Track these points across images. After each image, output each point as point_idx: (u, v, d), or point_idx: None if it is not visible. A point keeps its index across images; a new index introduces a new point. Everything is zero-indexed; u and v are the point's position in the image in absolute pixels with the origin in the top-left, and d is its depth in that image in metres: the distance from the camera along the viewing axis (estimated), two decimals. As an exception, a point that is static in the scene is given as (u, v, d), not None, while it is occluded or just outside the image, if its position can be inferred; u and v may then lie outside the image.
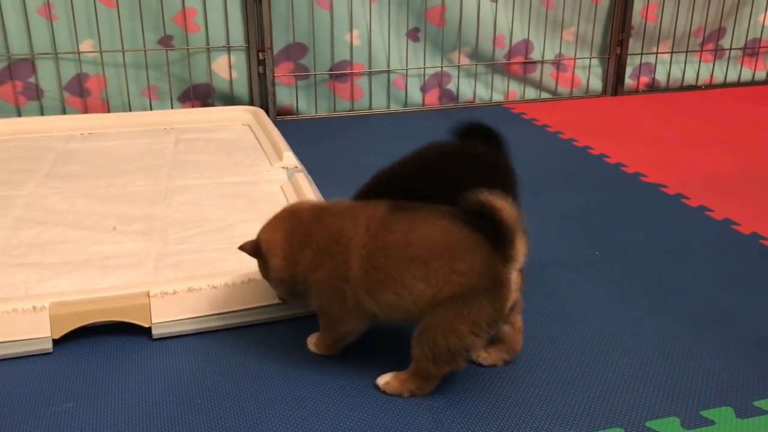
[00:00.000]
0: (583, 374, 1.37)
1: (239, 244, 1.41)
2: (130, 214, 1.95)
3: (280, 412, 1.27)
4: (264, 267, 1.38)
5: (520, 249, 1.21)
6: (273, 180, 2.18)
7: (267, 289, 1.51)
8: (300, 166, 2.30)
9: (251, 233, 1.83)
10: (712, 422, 1.24)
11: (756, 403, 1.29)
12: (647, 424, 1.24)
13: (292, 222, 1.35)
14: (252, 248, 1.38)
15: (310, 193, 1.99)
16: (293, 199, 2.01)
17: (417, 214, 1.26)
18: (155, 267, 1.67)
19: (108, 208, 1.98)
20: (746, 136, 2.83)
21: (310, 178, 2.27)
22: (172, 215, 1.94)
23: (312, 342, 1.43)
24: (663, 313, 1.58)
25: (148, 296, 1.46)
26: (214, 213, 1.96)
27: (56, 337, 1.43)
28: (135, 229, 1.86)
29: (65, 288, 1.56)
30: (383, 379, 1.31)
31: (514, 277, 1.23)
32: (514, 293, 1.24)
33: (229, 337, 1.49)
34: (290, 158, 2.30)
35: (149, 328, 1.47)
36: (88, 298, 1.46)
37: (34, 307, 1.41)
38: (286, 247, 1.33)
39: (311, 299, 1.36)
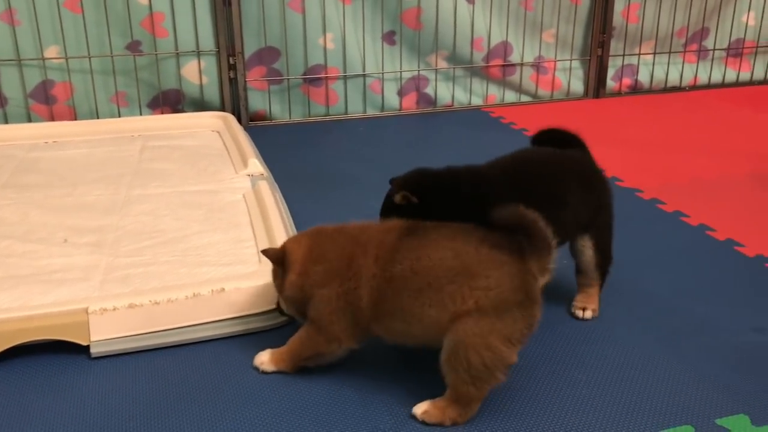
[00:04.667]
0: (539, 393, 1.31)
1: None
2: (83, 225, 1.89)
3: (220, 430, 1.21)
4: (280, 278, 1.33)
5: (550, 267, 1.20)
6: (236, 188, 2.11)
7: (212, 305, 1.46)
8: (266, 173, 2.24)
9: (206, 244, 1.79)
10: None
11: (718, 422, 1.22)
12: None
13: (314, 239, 1.32)
14: (276, 256, 1.33)
15: (272, 201, 1.92)
16: (255, 209, 1.94)
17: (426, 239, 1.22)
18: (102, 281, 1.60)
19: (61, 220, 1.92)
20: (728, 139, 2.77)
21: (275, 185, 2.21)
22: (127, 226, 1.88)
23: (266, 359, 1.35)
24: (631, 324, 1.51)
25: (87, 313, 1.40)
26: (170, 224, 1.90)
27: (-11, 356, 1.36)
28: (86, 241, 1.80)
29: (3, 304, 1.50)
30: (421, 408, 1.22)
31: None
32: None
33: (173, 354, 1.42)
34: (255, 165, 2.24)
35: (88, 347, 1.40)
36: (23, 316, 1.40)
37: (-35, 326, 1.35)
38: (303, 261, 1.29)
39: (310, 313, 1.30)
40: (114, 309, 1.41)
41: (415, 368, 1.34)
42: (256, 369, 1.35)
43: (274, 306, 1.46)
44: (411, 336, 1.23)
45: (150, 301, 1.43)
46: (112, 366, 1.39)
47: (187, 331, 1.44)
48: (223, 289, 1.47)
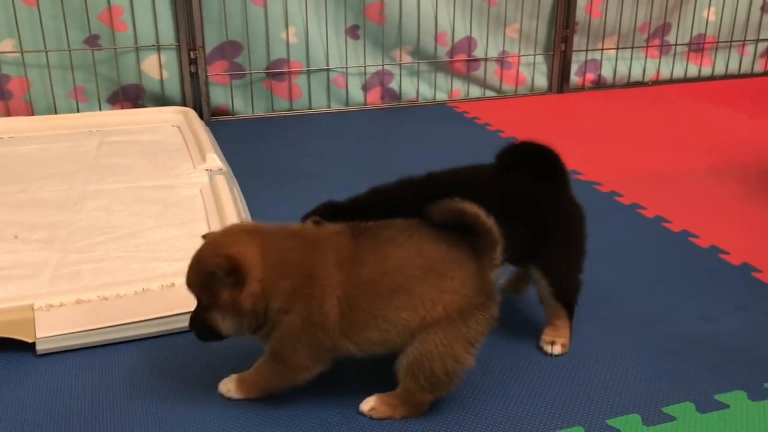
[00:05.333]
0: (490, 383, 1.31)
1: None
2: (35, 221, 1.85)
3: (170, 429, 1.19)
4: (229, 290, 1.10)
5: (498, 262, 1.17)
6: (193, 183, 2.09)
7: (161, 300, 1.44)
8: (225, 168, 2.22)
9: (159, 240, 1.77)
10: (617, 431, 1.19)
11: (665, 410, 1.23)
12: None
13: (261, 240, 1.13)
14: (226, 264, 1.08)
15: (228, 196, 1.90)
16: (211, 204, 1.92)
17: (381, 237, 1.16)
18: (51, 277, 1.58)
19: (13, 216, 1.88)
20: (688, 133, 2.80)
21: (234, 180, 2.19)
22: (80, 222, 1.85)
23: (233, 387, 1.24)
24: (582, 316, 1.52)
25: (32, 309, 1.37)
26: (125, 219, 1.87)
27: (-69, 355, 1.33)
28: (37, 237, 1.77)
29: (-53, 302, 1.46)
30: (368, 405, 1.20)
31: None
32: None
33: (122, 351, 1.40)
34: (214, 160, 2.21)
35: (33, 344, 1.38)
36: (-35, 313, 1.37)
37: None
38: (263, 269, 1.11)
39: (267, 341, 1.17)
40: (60, 305, 1.39)
41: (362, 362, 1.33)
42: (222, 396, 1.25)
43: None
44: (389, 343, 1.16)
45: (98, 296, 1.41)
46: (58, 363, 1.36)
47: (135, 327, 1.42)
48: (173, 284, 1.45)
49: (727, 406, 1.24)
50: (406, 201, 1.29)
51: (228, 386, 1.26)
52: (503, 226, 1.18)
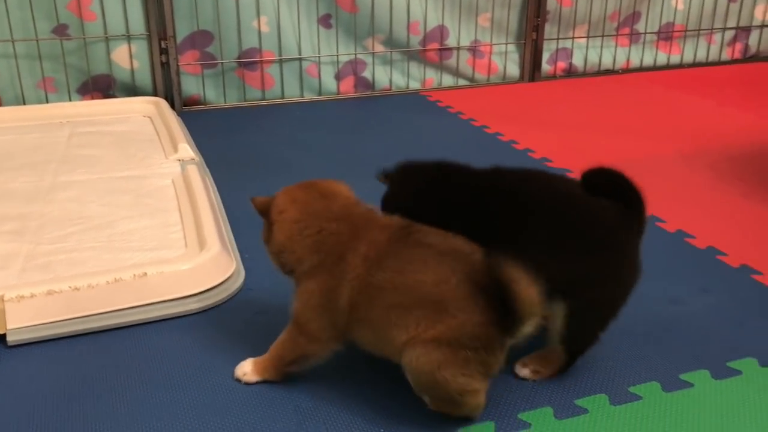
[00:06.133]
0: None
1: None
2: (5, 213, 1.84)
3: (142, 418, 1.19)
4: (266, 230, 1.23)
5: (526, 331, 1.08)
6: (165, 173, 2.08)
7: (134, 290, 1.44)
8: (197, 158, 2.21)
9: (131, 230, 1.76)
10: (585, 410, 1.21)
11: (631, 389, 1.26)
12: (520, 415, 1.20)
13: (312, 199, 1.21)
14: (262, 206, 1.23)
15: (200, 186, 1.90)
16: (183, 194, 1.92)
17: (416, 250, 1.13)
18: (22, 269, 1.57)
19: (-18, 208, 1.87)
20: (658, 120, 2.84)
21: (207, 170, 2.19)
22: (51, 213, 1.84)
23: (249, 369, 1.26)
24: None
25: (3, 301, 1.37)
26: (96, 210, 1.86)
27: None
28: (8, 228, 1.75)
29: None
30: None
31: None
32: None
33: (95, 341, 1.40)
34: (186, 150, 2.21)
35: (4, 335, 1.37)
36: (-66, 305, 1.35)
37: None
38: (293, 222, 1.19)
39: (293, 298, 1.21)
40: (32, 296, 1.38)
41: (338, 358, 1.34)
42: (238, 380, 1.26)
43: (197, 291, 1.45)
44: (379, 348, 1.17)
45: (70, 287, 1.41)
46: (30, 354, 1.36)
47: (108, 317, 1.42)
48: (145, 274, 1.45)
49: (691, 385, 1.28)
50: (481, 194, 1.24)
51: (244, 369, 1.27)
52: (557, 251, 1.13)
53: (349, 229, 1.18)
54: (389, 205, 1.31)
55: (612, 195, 1.24)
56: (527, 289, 1.03)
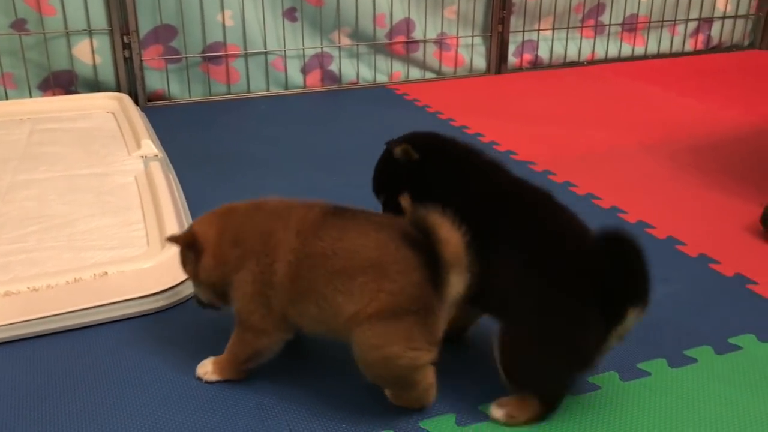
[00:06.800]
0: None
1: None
2: (-38, 212, 1.81)
3: (103, 417, 1.19)
4: (192, 263, 1.24)
5: (454, 287, 1.09)
6: (128, 170, 2.06)
7: (94, 290, 1.42)
8: (161, 154, 2.19)
9: (93, 228, 1.74)
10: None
11: (590, 379, 1.29)
12: (482, 408, 1.22)
13: (227, 219, 1.23)
14: (185, 240, 1.24)
15: (163, 182, 1.89)
16: (146, 191, 1.90)
17: (352, 221, 1.16)
18: (-20, 270, 1.54)
19: (-61, 208, 1.83)
20: (621, 111, 2.88)
21: (170, 166, 2.17)
22: (10, 213, 1.81)
23: (209, 369, 1.26)
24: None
25: (-41, 303, 1.35)
26: (57, 208, 1.84)
27: None
28: (-35, 229, 1.73)
29: None
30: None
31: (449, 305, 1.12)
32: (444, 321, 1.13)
33: (55, 342, 1.39)
34: (149, 146, 2.19)
35: (-39, 338, 1.35)
36: None
37: None
38: (218, 244, 1.21)
39: (233, 304, 1.22)
40: (-12, 298, 1.36)
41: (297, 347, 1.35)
42: (199, 379, 1.26)
43: (159, 289, 1.44)
44: (323, 323, 1.16)
45: (28, 288, 1.39)
46: (-12, 356, 1.34)
47: (68, 318, 1.40)
48: (105, 273, 1.44)
49: (648, 374, 1.30)
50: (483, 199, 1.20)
51: (205, 368, 1.27)
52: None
53: (267, 215, 1.21)
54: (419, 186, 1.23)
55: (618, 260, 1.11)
56: (449, 232, 1.06)
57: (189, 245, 1.24)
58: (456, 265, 1.08)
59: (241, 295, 1.19)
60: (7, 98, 2.69)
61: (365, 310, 1.10)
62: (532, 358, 1.13)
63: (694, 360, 1.34)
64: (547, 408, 1.18)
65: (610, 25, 3.59)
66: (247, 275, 1.18)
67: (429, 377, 1.17)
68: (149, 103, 2.86)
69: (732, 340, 1.40)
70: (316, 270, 1.13)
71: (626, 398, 1.24)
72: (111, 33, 2.74)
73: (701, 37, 3.81)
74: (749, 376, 1.30)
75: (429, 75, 3.33)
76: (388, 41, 3.20)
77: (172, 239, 1.27)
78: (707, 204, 2.03)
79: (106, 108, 2.63)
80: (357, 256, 1.12)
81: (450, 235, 1.06)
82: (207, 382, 1.26)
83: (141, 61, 2.80)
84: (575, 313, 1.10)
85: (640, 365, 1.32)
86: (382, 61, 3.24)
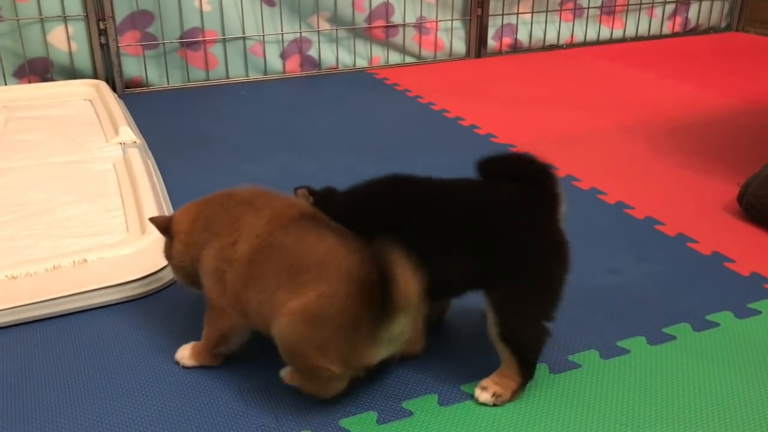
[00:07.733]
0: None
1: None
2: (-62, 202, 1.78)
3: (84, 404, 1.18)
4: (168, 247, 1.29)
5: (398, 326, 1.07)
6: (106, 157, 2.04)
7: (74, 277, 1.42)
8: (139, 141, 2.17)
9: (71, 216, 1.73)
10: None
11: (570, 358, 1.30)
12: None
13: (203, 206, 1.27)
14: (162, 224, 1.28)
15: (141, 169, 1.87)
16: (124, 178, 1.89)
17: (321, 227, 1.16)
18: (-44, 259, 1.53)
19: None
20: (600, 94, 2.89)
21: (149, 153, 2.15)
22: (-14, 201, 1.79)
23: (188, 352, 1.27)
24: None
25: (-65, 292, 1.33)
26: (35, 196, 1.82)
27: None
28: (-59, 218, 1.70)
29: None
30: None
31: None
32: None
33: (35, 330, 1.38)
34: (127, 133, 2.17)
35: (-61, 327, 1.34)
36: None
37: None
38: (189, 230, 1.25)
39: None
40: (-34, 287, 1.35)
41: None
42: (177, 363, 1.26)
43: (139, 276, 1.44)
44: (262, 317, 1.15)
45: (6, 276, 1.38)
46: (-33, 346, 1.33)
47: (47, 305, 1.39)
48: (85, 260, 1.43)
49: (628, 352, 1.32)
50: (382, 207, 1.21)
51: (183, 353, 1.27)
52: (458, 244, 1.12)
53: (240, 202, 1.23)
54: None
55: (514, 178, 1.19)
56: (406, 277, 1.02)
57: (163, 229, 1.28)
58: (404, 308, 1.05)
59: (204, 273, 1.22)
60: (-19, 86, 2.65)
61: (293, 302, 1.08)
62: (521, 313, 1.17)
63: (673, 337, 1.36)
64: (526, 377, 1.20)
65: (588, 8, 3.60)
66: (210, 251, 1.21)
67: (339, 384, 1.15)
68: (127, 90, 2.84)
69: (709, 318, 1.42)
70: (270, 261, 1.14)
71: (607, 376, 1.26)
72: (86, 19, 2.71)
73: (679, 20, 3.83)
74: (726, 352, 1.32)
75: (409, 59, 3.33)
76: (368, 26, 3.19)
77: (152, 219, 1.32)
78: (685, 184, 2.05)
79: (82, 95, 2.60)
80: (306, 256, 1.12)
81: (407, 280, 1.02)
82: (184, 367, 1.26)
83: (118, 47, 2.77)
84: (525, 255, 1.17)
85: (620, 343, 1.34)
86: (362, 46, 3.23)
